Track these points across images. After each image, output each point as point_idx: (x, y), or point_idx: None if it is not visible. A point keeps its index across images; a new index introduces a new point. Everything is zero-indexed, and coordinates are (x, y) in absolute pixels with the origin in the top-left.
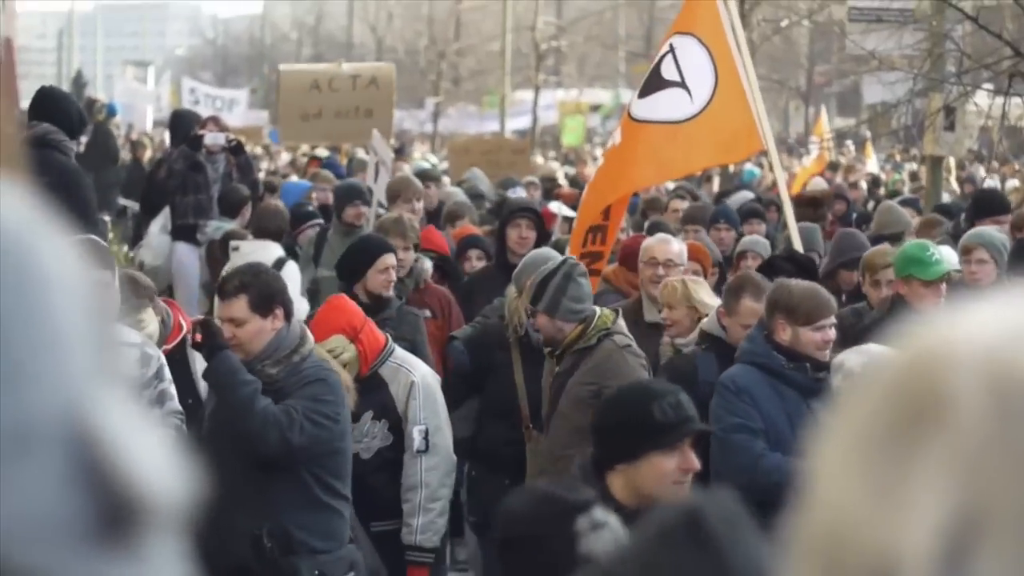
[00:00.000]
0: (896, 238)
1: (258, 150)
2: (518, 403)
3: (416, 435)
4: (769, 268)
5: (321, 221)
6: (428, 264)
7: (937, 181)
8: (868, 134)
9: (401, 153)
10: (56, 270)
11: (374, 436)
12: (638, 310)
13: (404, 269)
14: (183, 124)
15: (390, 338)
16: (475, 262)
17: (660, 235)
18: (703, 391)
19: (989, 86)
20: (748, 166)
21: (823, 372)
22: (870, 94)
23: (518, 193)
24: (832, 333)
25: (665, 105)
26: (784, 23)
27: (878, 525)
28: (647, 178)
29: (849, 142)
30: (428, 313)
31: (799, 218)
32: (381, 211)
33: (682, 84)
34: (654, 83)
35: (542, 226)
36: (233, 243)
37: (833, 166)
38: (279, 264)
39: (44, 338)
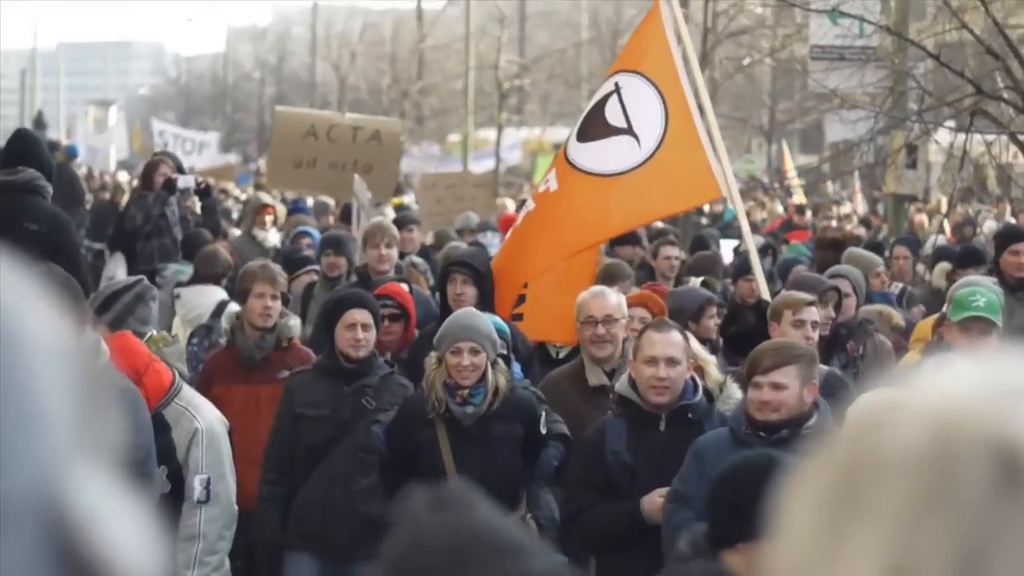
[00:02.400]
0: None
1: (232, 188)
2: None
3: (197, 485)
4: (732, 317)
5: (317, 267)
6: (295, 321)
7: (900, 219)
8: (856, 174)
9: (400, 192)
10: (38, 342)
11: None
12: (580, 373)
13: (272, 318)
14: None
15: (178, 376)
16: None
17: (594, 289)
18: (612, 463)
19: (951, 124)
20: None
21: (783, 432)
22: (832, 132)
23: (488, 238)
24: (769, 394)
25: (613, 156)
26: (746, 61)
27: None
28: (597, 235)
29: (830, 182)
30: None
31: (820, 261)
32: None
33: (629, 131)
34: (598, 128)
35: (482, 280)
36: (176, 290)
37: (800, 209)
38: (220, 308)
39: (22, 415)
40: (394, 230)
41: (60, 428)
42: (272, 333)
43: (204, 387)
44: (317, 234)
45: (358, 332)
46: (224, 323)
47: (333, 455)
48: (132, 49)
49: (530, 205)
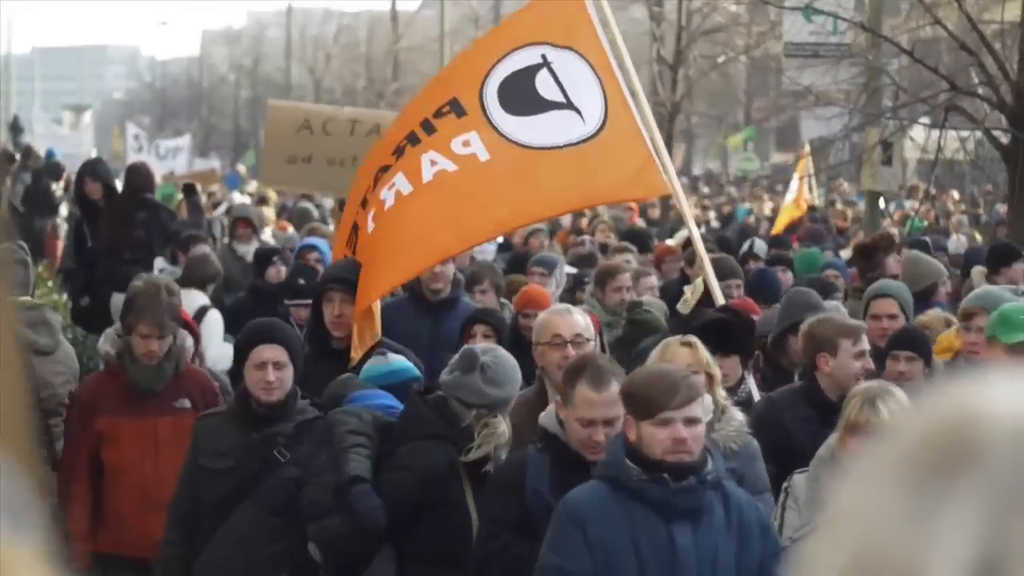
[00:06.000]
0: (930, 292)
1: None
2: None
3: None
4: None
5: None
6: (189, 342)
7: (875, 216)
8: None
9: None
10: None
11: None
12: (537, 403)
13: (157, 358)
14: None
15: None
16: (480, 339)
17: (560, 306)
18: (531, 501)
19: (926, 120)
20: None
21: (690, 479)
22: (808, 129)
23: (486, 251)
24: (685, 430)
25: (550, 129)
26: (721, 59)
27: (909, 548)
28: (534, 212)
29: (842, 180)
30: (187, 403)
31: (859, 271)
32: None
33: (569, 105)
34: (531, 102)
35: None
36: None
37: (812, 209)
38: (201, 313)
39: None
40: None
41: None
42: (169, 360)
43: (84, 418)
44: (325, 246)
45: (268, 372)
46: (105, 345)
47: (235, 515)
48: (107, 53)
49: (447, 165)
